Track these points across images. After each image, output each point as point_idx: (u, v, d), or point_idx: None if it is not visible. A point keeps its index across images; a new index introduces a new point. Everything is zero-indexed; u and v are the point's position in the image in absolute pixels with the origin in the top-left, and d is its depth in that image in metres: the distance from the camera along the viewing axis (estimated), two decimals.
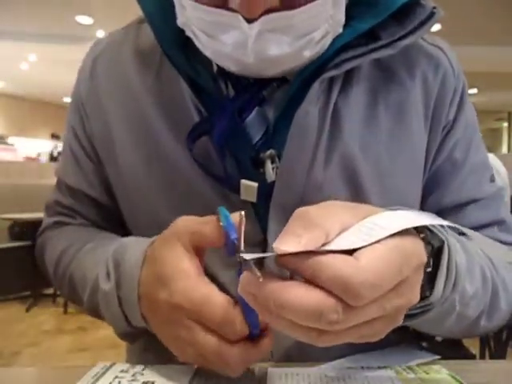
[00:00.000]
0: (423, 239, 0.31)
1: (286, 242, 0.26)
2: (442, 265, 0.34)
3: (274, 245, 0.26)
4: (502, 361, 0.64)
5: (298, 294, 0.25)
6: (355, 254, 0.26)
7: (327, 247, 0.26)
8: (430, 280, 0.33)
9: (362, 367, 0.38)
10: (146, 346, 0.50)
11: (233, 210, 0.45)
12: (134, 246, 0.40)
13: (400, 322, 0.30)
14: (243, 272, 0.28)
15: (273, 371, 0.37)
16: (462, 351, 0.54)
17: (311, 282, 0.26)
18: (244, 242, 0.31)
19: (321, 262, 0.26)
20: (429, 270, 0.33)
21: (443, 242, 0.34)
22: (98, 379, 0.36)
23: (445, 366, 0.39)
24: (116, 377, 0.36)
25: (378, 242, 0.27)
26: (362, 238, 0.27)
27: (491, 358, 1.53)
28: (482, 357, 1.54)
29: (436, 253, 0.34)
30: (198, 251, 0.35)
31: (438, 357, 0.41)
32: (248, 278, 0.27)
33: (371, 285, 0.25)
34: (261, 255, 0.28)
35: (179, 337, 0.34)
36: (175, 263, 0.34)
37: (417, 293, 0.30)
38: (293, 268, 0.27)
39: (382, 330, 0.29)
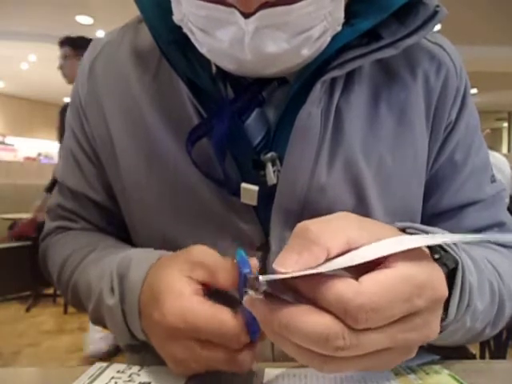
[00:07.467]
0: (437, 260, 0.30)
1: (286, 263, 0.26)
2: (455, 289, 0.32)
3: (274, 265, 0.26)
4: (502, 361, 0.63)
5: (304, 316, 0.25)
6: (360, 278, 0.26)
7: (329, 264, 0.26)
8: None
9: None
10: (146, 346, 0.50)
11: (233, 212, 0.45)
12: (138, 261, 0.40)
13: (413, 355, 0.29)
14: (247, 293, 0.28)
15: (270, 372, 0.37)
16: (462, 351, 0.54)
17: (315, 304, 0.26)
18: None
19: (322, 283, 0.25)
20: None
21: (457, 262, 0.33)
22: (94, 380, 0.35)
23: (445, 366, 0.38)
24: (112, 377, 0.36)
25: (387, 267, 0.26)
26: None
27: (491, 358, 1.53)
28: (482, 357, 1.54)
29: (448, 273, 0.32)
30: (204, 284, 0.34)
31: (438, 357, 0.40)
32: (252, 300, 0.27)
33: (371, 309, 0.25)
34: (270, 277, 0.27)
35: (180, 355, 0.33)
36: (170, 284, 0.34)
37: (435, 328, 0.29)
38: (295, 289, 0.27)
39: (392, 362, 0.29)
